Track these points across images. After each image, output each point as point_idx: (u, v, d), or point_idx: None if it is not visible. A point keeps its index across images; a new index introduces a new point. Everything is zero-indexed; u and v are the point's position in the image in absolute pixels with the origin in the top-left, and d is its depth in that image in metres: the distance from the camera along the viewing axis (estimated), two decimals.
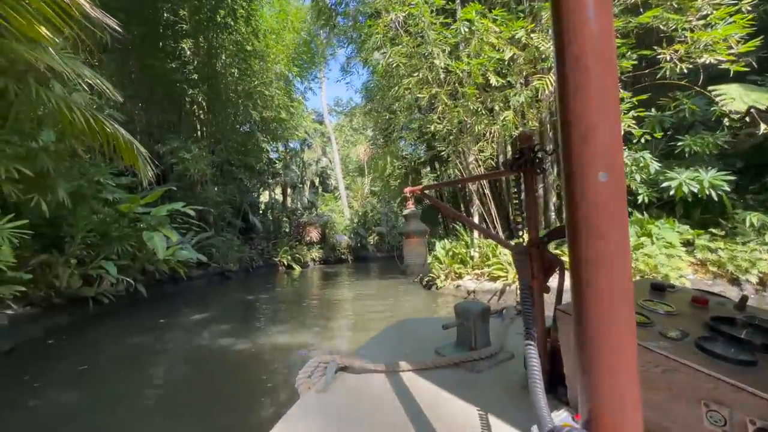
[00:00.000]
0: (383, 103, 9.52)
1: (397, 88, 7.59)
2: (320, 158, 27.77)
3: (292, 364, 4.25)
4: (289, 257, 17.93)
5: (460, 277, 7.76)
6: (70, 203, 5.45)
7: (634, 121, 6.16)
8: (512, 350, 1.26)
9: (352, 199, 25.72)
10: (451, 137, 7.37)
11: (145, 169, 5.48)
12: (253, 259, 15.20)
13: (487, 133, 6.98)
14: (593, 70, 0.38)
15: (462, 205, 9.14)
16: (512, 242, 1.14)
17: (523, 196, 1.14)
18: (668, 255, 6.44)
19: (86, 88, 4.90)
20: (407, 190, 1.53)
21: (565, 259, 0.53)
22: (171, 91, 12.51)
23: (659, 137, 6.90)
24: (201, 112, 13.31)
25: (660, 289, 1.00)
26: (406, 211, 1.52)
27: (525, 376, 0.93)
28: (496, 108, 6.72)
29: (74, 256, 6.11)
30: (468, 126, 7.45)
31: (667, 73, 5.99)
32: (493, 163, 7.21)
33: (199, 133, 13.50)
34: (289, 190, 23.55)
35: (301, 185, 25.00)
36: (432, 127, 7.47)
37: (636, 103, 6.01)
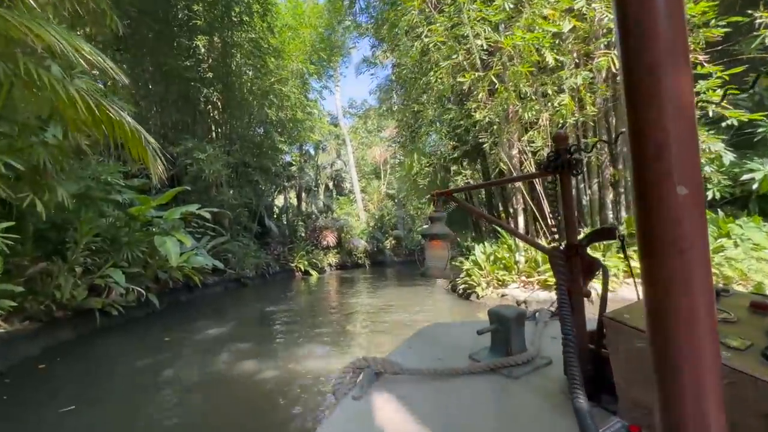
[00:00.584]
0: (411, 95, 8.74)
1: (432, 74, 6.78)
2: (335, 161, 27.11)
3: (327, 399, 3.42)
4: (306, 262, 17.20)
5: (504, 284, 6.88)
6: (70, 204, 4.75)
7: (720, 100, 5.20)
8: (548, 355, 1.20)
9: (368, 202, 24.95)
10: (494, 127, 6.53)
11: (155, 164, 4.77)
12: (270, 265, 14.49)
13: (538, 121, 6.12)
14: (666, 79, 0.35)
15: (501, 205, 8.28)
16: (548, 245, 1.12)
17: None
18: (758, 258, 5.47)
19: (87, 68, 4.18)
20: (434, 193, 1.45)
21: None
22: (185, 90, 11.93)
23: (738, 119, 5.91)
24: (216, 112, 12.71)
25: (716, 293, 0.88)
26: (431, 214, 1.43)
27: (565, 382, 0.90)
28: (549, 92, 5.86)
29: (78, 263, 5.42)
30: (514, 113, 6.61)
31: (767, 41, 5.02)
32: (545, 154, 6.31)
33: (213, 134, 12.90)
34: (303, 195, 22.92)
35: (315, 189, 24.35)
36: (470, 118, 6.64)
37: (728, 78, 5.05)
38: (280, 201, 22.73)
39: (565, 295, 0.85)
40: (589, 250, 1.01)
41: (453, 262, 10.06)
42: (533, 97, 5.94)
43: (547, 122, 6.03)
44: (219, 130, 12.93)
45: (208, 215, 7.85)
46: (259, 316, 7.57)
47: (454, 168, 9.31)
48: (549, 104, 5.99)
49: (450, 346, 1.40)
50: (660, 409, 0.40)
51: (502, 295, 6.62)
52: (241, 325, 6.79)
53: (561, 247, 0.99)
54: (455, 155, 8.31)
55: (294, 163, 21.26)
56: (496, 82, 5.99)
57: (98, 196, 6.22)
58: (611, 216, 6.81)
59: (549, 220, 7.21)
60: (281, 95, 12.93)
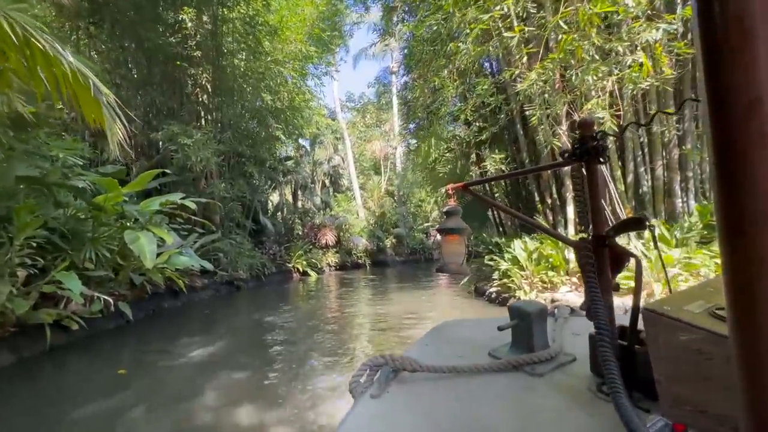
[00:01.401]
0: (430, 68, 7.52)
1: (467, 33, 5.56)
2: (332, 156, 25.72)
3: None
4: (304, 262, 15.85)
5: (552, 287, 5.68)
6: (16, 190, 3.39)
7: None
8: (571, 352, 1.12)
9: (367, 199, 23.66)
10: (545, 95, 5.34)
11: (113, 126, 3.44)
12: (265, 266, 13.12)
13: (604, 86, 4.94)
14: (760, 30, 0.30)
15: (537, 195, 7.10)
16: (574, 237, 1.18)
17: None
18: None
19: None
20: (449, 186, 1.34)
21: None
22: (170, 71, 10.53)
23: None
24: (204, 96, 11.32)
25: None
26: (446, 208, 1.35)
27: (592, 379, 0.91)
28: (620, 49, 4.68)
29: (12, 265, 4.07)
30: (560, 82, 5.42)
31: None
32: (615, 127, 5.11)
33: (203, 120, 11.50)
34: (299, 192, 21.55)
35: (312, 185, 23.00)
36: (502, 93, 5.42)
37: None
38: (274, 198, 21.35)
39: (597, 288, 0.78)
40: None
41: (477, 262, 8.99)
42: (596, 57, 4.74)
43: (614, 87, 4.84)
44: (209, 116, 11.54)
45: (193, 206, 6.50)
46: (255, 330, 6.23)
47: (479, 153, 8.10)
48: (617, 65, 4.81)
49: (468, 343, 1.29)
50: (746, 409, 0.35)
51: (552, 300, 5.41)
52: (232, 343, 5.45)
53: (588, 239, 0.91)
54: (482, 137, 7.11)
55: (291, 157, 19.90)
56: (559, 33, 4.80)
57: (53, 180, 4.86)
58: (680, 204, 5.65)
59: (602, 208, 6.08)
60: (278, 78, 11.59)
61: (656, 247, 1.02)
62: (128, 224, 5.71)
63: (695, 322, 0.63)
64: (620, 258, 0.91)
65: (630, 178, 6.01)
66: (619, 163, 5.96)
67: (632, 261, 0.91)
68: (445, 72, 7.51)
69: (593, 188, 0.94)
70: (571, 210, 5.88)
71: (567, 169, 6.17)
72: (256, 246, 13.73)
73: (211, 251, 9.76)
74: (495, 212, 8.99)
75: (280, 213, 19.78)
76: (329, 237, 18.11)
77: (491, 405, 0.88)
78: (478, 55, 6.07)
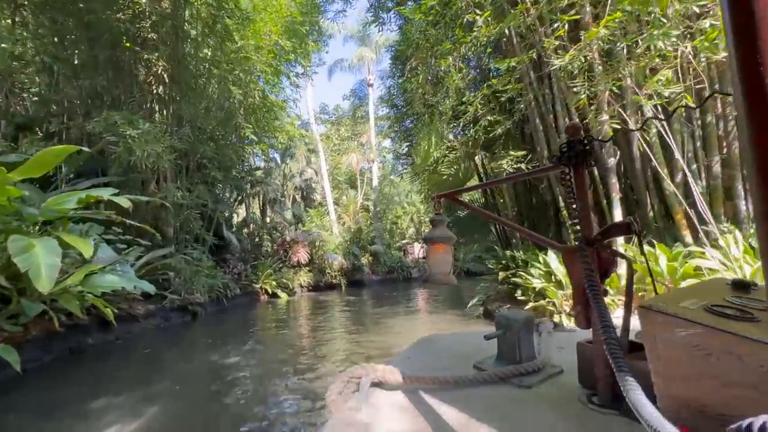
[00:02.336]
0: (432, 54, 6.37)
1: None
2: (304, 170, 24.12)
3: None
4: (274, 283, 13.94)
5: None
6: None
7: None
8: (558, 365, 1.10)
9: (342, 214, 22.11)
10: (600, 68, 4.25)
11: None
12: (228, 287, 11.16)
13: (675, 55, 3.91)
14: None
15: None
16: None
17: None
18: None
19: None
20: (435, 195, 1.32)
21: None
22: (118, 54, 8.76)
23: None
24: (160, 86, 9.56)
25: (743, 287, 0.80)
26: (432, 217, 1.32)
27: (581, 391, 0.88)
28: (696, 8, 3.69)
29: None
30: (629, 48, 4.38)
31: None
32: (698, 99, 4.07)
33: (157, 115, 9.69)
34: (268, 206, 19.67)
35: (282, 198, 21.19)
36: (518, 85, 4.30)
37: None
38: (241, 212, 19.34)
39: (597, 289, 0.74)
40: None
41: (486, 280, 7.75)
42: (662, 19, 3.73)
43: (689, 55, 3.83)
44: (164, 110, 9.74)
45: (127, 204, 4.72)
46: (208, 380, 4.42)
47: (485, 154, 6.96)
48: (687, 32, 3.82)
49: (452, 356, 1.26)
50: None
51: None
52: (171, 408, 3.67)
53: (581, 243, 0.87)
54: (496, 132, 5.98)
55: (260, 167, 18.12)
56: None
57: None
58: (743, 207, 4.68)
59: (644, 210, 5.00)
60: (250, 74, 10.06)
61: (642, 252, 0.94)
62: (26, 228, 3.91)
63: (693, 318, 0.60)
64: (609, 263, 0.85)
65: (679, 177, 5.01)
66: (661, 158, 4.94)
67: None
68: (450, 59, 6.39)
69: (581, 192, 0.88)
70: (618, 215, 4.76)
71: (611, 165, 5.11)
72: (218, 264, 11.76)
73: (159, 269, 7.85)
74: (497, 224, 7.85)
75: (246, 228, 17.78)
76: (302, 254, 16.32)
77: (479, 418, 0.81)
78: (499, 30, 4.97)
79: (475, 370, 1.09)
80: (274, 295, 13.61)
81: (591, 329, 0.88)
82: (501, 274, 6.17)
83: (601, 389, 0.85)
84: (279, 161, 23.63)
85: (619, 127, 4.30)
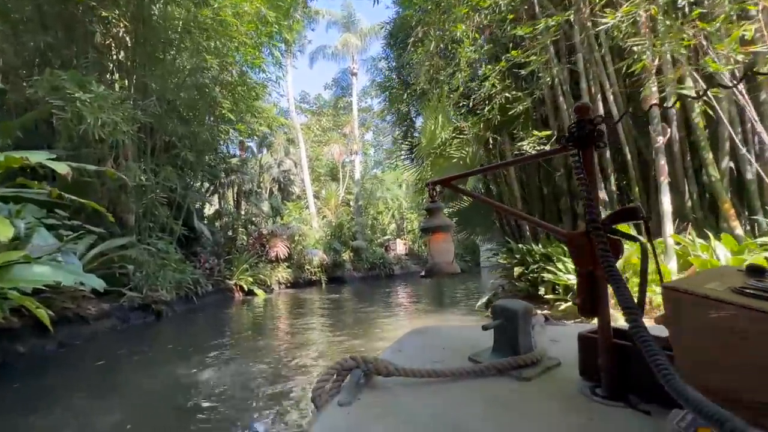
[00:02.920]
0: (442, 19, 5.55)
1: None
2: (282, 160, 22.81)
3: None
4: (250, 279, 12.78)
5: (654, 306, 3.81)
6: None
7: None
8: (555, 357, 1.04)
9: (323, 207, 21.03)
10: (660, 25, 3.57)
11: None
12: (199, 283, 9.97)
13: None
14: None
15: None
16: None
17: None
18: None
19: None
20: (429, 182, 1.23)
21: None
22: (70, 10, 7.39)
23: None
24: (122, 53, 8.24)
25: (758, 271, 0.74)
26: (427, 205, 1.23)
27: (582, 383, 0.85)
28: None
29: None
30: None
31: None
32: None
33: (117, 86, 8.35)
34: (243, 198, 18.32)
35: (258, 190, 19.85)
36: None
37: None
38: (213, 204, 17.91)
39: (614, 268, 0.64)
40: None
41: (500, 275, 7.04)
42: None
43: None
44: (126, 79, 8.42)
45: (65, 170, 3.56)
46: (170, 406, 3.39)
47: (496, 138, 6.23)
48: None
49: (446, 349, 1.18)
50: None
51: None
52: None
53: (596, 223, 0.78)
54: (518, 109, 5.26)
55: (236, 156, 16.76)
56: None
57: None
58: None
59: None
60: (230, 42, 8.89)
61: (649, 239, 0.85)
62: None
63: (728, 299, 0.56)
64: (615, 247, 0.79)
65: (724, 162, 4.46)
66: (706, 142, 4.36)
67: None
68: (463, 27, 5.61)
69: (589, 176, 0.83)
70: (667, 202, 4.13)
71: (659, 144, 4.47)
72: (187, 258, 10.52)
73: (116, 262, 6.63)
74: (504, 216, 7.17)
75: (219, 220, 16.42)
76: (280, 249, 15.17)
77: (481, 411, 0.79)
78: None
79: (471, 362, 1.03)
80: (250, 293, 12.47)
81: (594, 320, 0.84)
82: (517, 270, 5.48)
83: (606, 381, 0.80)
84: (255, 151, 22.22)
85: (687, 93, 3.67)
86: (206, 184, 15.20)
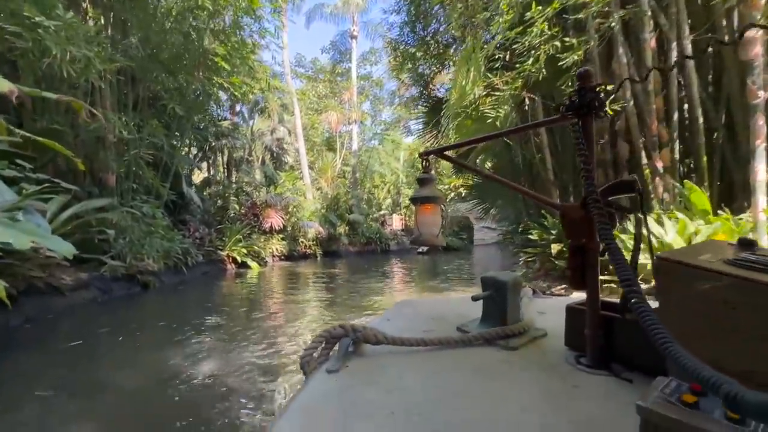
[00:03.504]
0: None
1: None
2: (276, 128, 21.53)
3: None
4: (243, 250, 11.99)
5: None
6: None
7: None
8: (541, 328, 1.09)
9: (319, 178, 20.08)
10: None
11: None
12: (189, 253, 9.17)
13: None
14: None
15: (646, 155, 4.60)
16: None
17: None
18: None
19: None
20: (422, 153, 1.24)
21: None
22: None
23: None
24: None
25: (749, 245, 0.78)
26: (420, 176, 1.24)
27: (568, 353, 0.88)
28: None
29: None
30: None
31: None
32: None
33: (92, 22, 7.16)
34: (233, 166, 17.20)
35: (249, 158, 18.73)
36: None
37: None
38: (202, 172, 16.79)
39: (613, 241, 0.65)
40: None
41: (530, 253, 6.41)
42: None
43: None
44: (103, 17, 7.22)
45: (6, 87, 2.58)
46: (157, 403, 2.71)
47: (532, 97, 5.44)
48: None
49: (434, 319, 1.20)
50: None
51: None
52: None
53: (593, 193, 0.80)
54: (570, 60, 4.47)
55: (227, 119, 15.55)
56: None
57: None
58: None
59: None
60: None
61: (643, 214, 0.85)
62: None
63: (720, 269, 0.57)
64: (611, 219, 0.80)
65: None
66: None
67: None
68: None
69: (589, 146, 0.83)
70: (762, 170, 3.45)
71: (758, 101, 3.75)
72: (175, 226, 9.65)
73: (94, 226, 5.76)
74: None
75: (208, 188, 15.40)
76: (275, 220, 14.32)
77: (468, 378, 0.80)
78: None
79: (459, 332, 1.04)
80: (243, 265, 11.71)
81: (583, 292, 0.85)
82: (555, 247, 4.86)
83: (591, 350, 0.82)
84: (247, 116, 20.92)
85: None
86: (194, 150, 14.07)
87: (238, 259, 11.55)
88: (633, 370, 0.76)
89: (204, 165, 16.48)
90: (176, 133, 9.01)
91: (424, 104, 8.10)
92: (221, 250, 11.49)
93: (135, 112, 7.27)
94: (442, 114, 6.20)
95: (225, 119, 14.93)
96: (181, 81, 7.85)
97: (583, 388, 0.74)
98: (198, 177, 17.60)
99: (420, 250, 20.81)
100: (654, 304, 0.64)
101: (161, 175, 8.25)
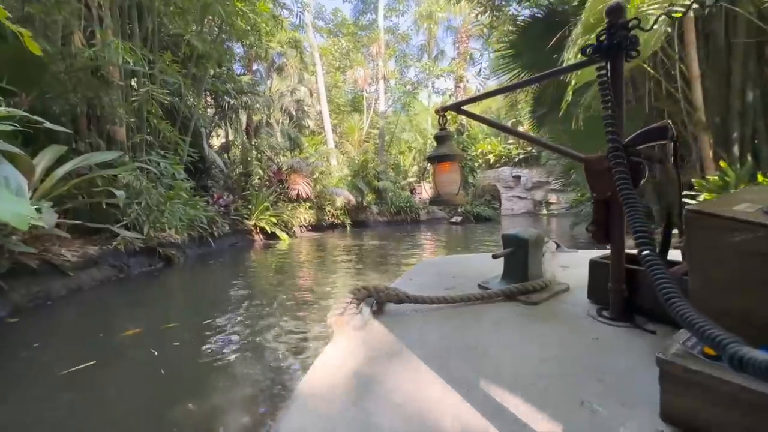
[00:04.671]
0: None
1: None
2: (296, 88, 19.76)
3: None
4: (272, 220, 10.76)
5: None
6: None
7: None
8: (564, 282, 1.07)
9: (345, 142, 18.50)
10: None
11: None
12: (215, 222, 7.96)
13: None
14: None
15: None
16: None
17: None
18: None
19: None
20: (438, 108, 1.15)
21: None
22: None
23: None
24: None
25: None
26: (437, 133, 1.18)
27: (590, 306, 0.88)
28: None
29: None
30: None
31: None
32: None
33: None
34: (253, 128, 15.69)
35: (270, 120, 17.17)
36: None
37: None
38: (220, 137, 15.42)
39: (633, 195, 0.62)
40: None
41: None
42: None
43: None
44: None
45: None
46: None
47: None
48: None
49: (456, 277, 1.20)
50: None
51: None
52: None
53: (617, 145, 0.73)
54: None
55: (246, 75, 13.93)
56: None
57: None
58: None
59: None
60: None
61: (676, 164, 0.80)
62: None
63: (757, 220, 0.53)
64: (638, 171, 0.76)
65: None
66: None
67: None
68: None
69: (618, 91, 0.76)
70: None
71: None
72: (197, 192, 8.41)
73: (99, 186, 4.47)
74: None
75: (229, 153, 14.06)
76: (302, 187, 12.99)
77: (488, 332, 0.80)
78: None
79: (480, 289, 1.04)
80: (272, 236, 10.53)
81: (607, 245, 0.83)
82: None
83: (613, 303, 0.81)
84: (264, 75, 19.19)
85: None
86: (211, 111, 12.57)
87: (267, 229, 10.34)
88: (658, 323, 0.75)
89: (221, 130, 15.07)
90: (193, 73, 7.46)
91: (512, 28, 6.20)
92: (247, 219, 10.28)
93: (143, 40, 5.77)
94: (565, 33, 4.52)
95: (244, 74, 13.30)
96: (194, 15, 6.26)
97: (604, 340, 0.73)
98: (216, 142, 16.26)
99: (453, 219, 19.38)
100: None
101: (179, 129, 6.85)
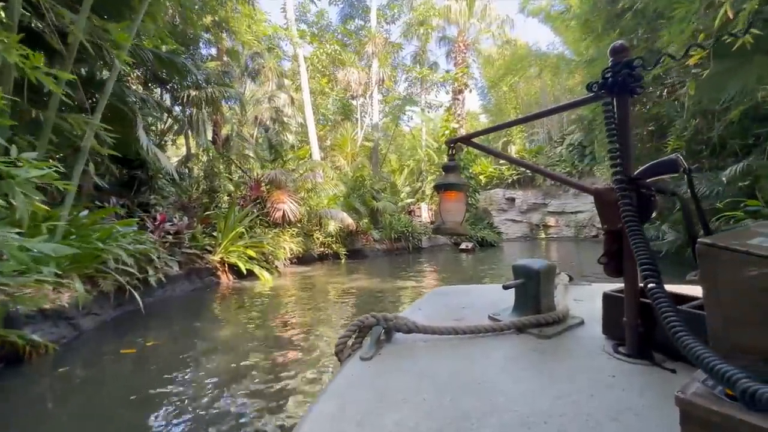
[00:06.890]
0: None
1: None
2: (273, 94, 16.74)
3: None
4: (249, 253, 7.44)
5: None
6: None
7: None
8: (578, 316, 1.01)
9: (337, 154, 15.52)
10: None
11: None
12: (151, 262, 4.66)
13: None
14: None
15: None
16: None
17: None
18: None
19: None
20: (449, 140, 1.17)
21: None
22: None
23: None
24: None
25: None
26: (445, 163, 1.18)
27: (605, 341, 0.84)
28: None
29: None
30: None
31: None
32: None
33: None
34: (224, 129, 12.42)
35: (240, 132, 13.96)
36: None
37: None
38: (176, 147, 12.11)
39: (638, 228, 0.65)
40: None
41: None
42: None
43: None
44: None
45: None
46: None
47: None
48: None
49: (466, 308, 1.17)
50: None
51: None
52: None
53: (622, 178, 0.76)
54: None
55: (214, 58, 10.87)
56: None
57: None
58: None
59: None
60: None
61: (694, 196, 0.76)
62: None
63: None
64: (648, 204, 0.76)
65: None
66: None
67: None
68: None
69: (623, 126, 0.78)
70: None
71: None
72: (129, 211, 5.12)
73: None
74: None
75: (188, 163, 10.73)
76: (288, 206, 9.78)
77: (499, 366, 0.77)
78: None
79: (491, 320, 0.99)
80: (249, 275, 7.23)
81: (621, 279, 0.80)
82: None
83: (629, 339, 0.77)
84: (236, 76, 16.09)
85: None
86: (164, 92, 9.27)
87: (241, 266, 7.03)
88: (678, 360, 0.71)
89: (181, 140, 11.74)
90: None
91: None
92: (210, 252, 6.97)
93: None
94: None
95: (211, 58, 10.25)
96: None
97: (621, 378, 0.70)
98: (172, 153, 12.91)
99: (463, 246, 16.56)
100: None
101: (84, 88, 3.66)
